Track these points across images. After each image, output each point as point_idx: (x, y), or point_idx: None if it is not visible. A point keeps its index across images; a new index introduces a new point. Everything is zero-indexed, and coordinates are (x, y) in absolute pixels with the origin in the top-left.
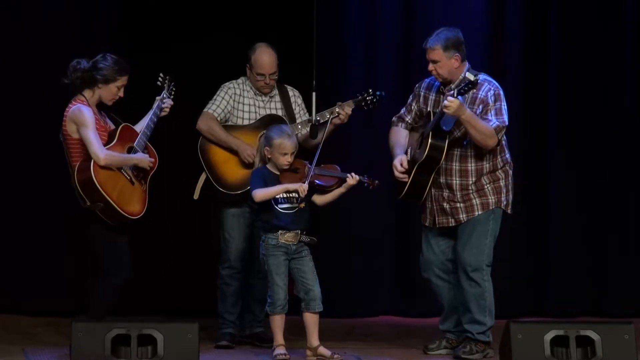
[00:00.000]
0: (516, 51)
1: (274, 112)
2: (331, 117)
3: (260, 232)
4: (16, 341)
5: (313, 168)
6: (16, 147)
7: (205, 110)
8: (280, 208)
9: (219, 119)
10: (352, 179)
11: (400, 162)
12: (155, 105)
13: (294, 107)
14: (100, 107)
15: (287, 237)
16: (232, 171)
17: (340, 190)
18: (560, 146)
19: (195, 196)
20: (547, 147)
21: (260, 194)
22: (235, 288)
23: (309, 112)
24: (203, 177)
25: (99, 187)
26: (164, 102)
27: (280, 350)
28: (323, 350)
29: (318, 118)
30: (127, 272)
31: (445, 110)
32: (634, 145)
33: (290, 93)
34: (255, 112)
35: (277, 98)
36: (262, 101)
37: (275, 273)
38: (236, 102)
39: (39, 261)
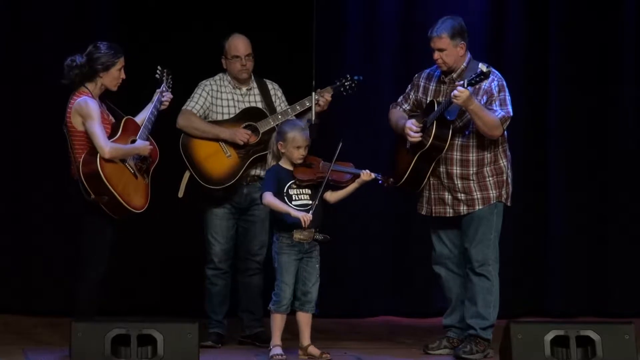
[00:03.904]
0: (516, 51)
1: (253, 105)
2: (311, 105)
3: (274, 229)
4: (16, 341)
5: (332, 165)
6: (16, 147)
7: (184, 107)
8: (294, 205)
9: (198, 115)
10: (367, 175)
11: (412, 123)
12: (155, 99)
13: (274, 99)
14: (101, 99)
15: (301, 236)
16: (215, 166)
17: (354, 185)
18: (560, 146)
19: (180, 194)
20: (547, 147)
21: (267, 201)
22: (221, 288)
23: (309, 112)
24: (187, 174)
25: (105, 180)
26: (164, 95)
27: (277, 351)
28: (313, 349)
29: (316, 119)
30: (105, 267)
31: (454, 100)
32: (634, 145)
33: (270, 86)
34: (235, 107)
35: (256, 91)
36: (241, 95)
37: (285, 271)
38: (214, 98)
39: (39, 261)
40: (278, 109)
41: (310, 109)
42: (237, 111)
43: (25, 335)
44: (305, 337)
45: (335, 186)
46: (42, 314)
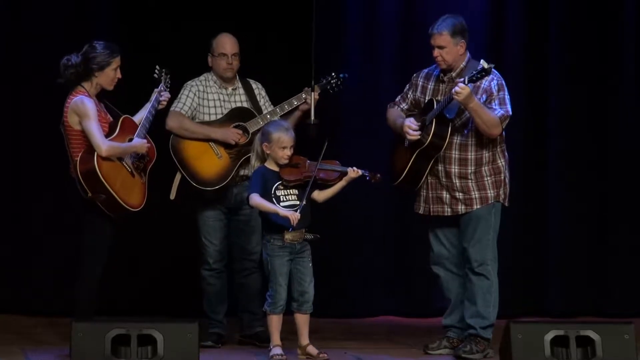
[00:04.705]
0: (516, 51)
1: (239, 105)
2: (298, 103)
3: (263, 232)
4: (16, 341)
5: (318, 164)
6: (16, 147)
7: (172, 109)
8: (282, 206)
9: (186, 116)
10: (354, 172)
11: (411, 122)
12: (153, 98)
13: (258, 99)
14: (98, 98)
15: (292, 237)
16: (206, 167)
17: (341, 183)
18: (561, 147)
19: (172, 196)
20: (547, 147)
21: (255, 202)
22: (218, 288)
23: (310, 112)
24: (178, 176)
25: (102, 179)
26: (162, 95)
27: (277, 351)
28: (311, 349)
29: (315, 119)
30: (104, 266)
31: (455, 97)
32: (634, 145)
33: (254, 86)
34: (221, 107)
35: (241, 91)
36: (227, 95)
37: (278, 273)
38: (201, 99)
39: (39, 261)
40: (263, 108)
41: (296, 108)
42: (224, 111)
43: (25, 335)
44: (304, 337)
45: (322, 185)
46: (42, 314)
